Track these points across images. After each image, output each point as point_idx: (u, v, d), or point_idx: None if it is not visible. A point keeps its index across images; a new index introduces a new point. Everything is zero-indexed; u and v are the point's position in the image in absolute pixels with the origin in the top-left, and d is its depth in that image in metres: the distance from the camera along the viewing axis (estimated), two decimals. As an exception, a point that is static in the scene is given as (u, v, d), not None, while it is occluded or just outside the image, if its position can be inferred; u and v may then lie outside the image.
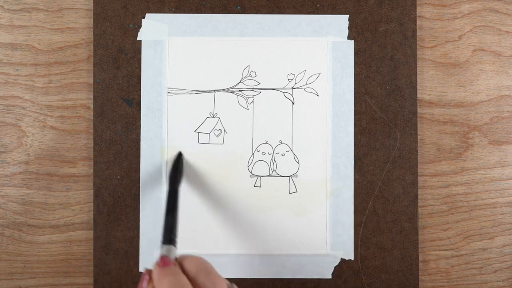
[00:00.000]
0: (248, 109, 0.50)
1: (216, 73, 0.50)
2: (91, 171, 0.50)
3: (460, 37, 0.52)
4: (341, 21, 0.50)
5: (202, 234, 0.50)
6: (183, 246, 0.48)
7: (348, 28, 0.50)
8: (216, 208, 0.50)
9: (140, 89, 0.50)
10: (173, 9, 0.50)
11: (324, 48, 0.51)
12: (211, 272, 0.37)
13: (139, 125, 0.50)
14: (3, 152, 0.51)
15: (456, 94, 0.52)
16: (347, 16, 0.50)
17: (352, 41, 0.50)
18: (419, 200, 0.51)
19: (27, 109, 0.51)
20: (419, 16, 0.51)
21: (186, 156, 0.50)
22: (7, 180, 0.51)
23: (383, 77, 0.50)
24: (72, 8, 0.51)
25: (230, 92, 0.50)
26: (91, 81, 0.51)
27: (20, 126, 0.51)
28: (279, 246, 0.50)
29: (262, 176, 0.50)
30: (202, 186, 0.50)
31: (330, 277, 0.50)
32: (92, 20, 0.51)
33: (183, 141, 0.50)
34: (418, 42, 0.51)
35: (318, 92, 0.50)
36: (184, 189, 0.50)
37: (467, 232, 0.51)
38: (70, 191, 0.51)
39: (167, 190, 0.45)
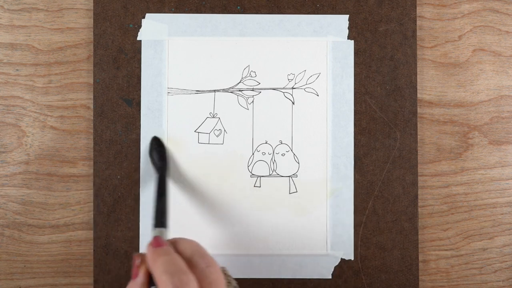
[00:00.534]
0: (248, 109, 0.50)
1: (216, 73, 0.50)
2: (91, 171, 0.50)
3: (460, 37, 0.52)
4: (341, 21, 0.50)
5: (202, 234, 0.50)
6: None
7: (348, 28, 0.50)
8: (216, 208, 0.50)
9: (140, 89, 0.50)
10: (173, 9, 0.50)
11: (324, 48, 0.51)
12: (205, 254, 0.37)
13: (139, 125, 0.50)
14: (3, 152, 0.51)
15: (456, 94, 0.52)
16: (347, 16, 0.50)
17: (352, 41, 0.50)
18: (419, 200, 0.51)
19: (27, 109, 0.51)
20: (419, 16, 0.51)
21: (186, 156, 0.50)
22: (7, 180, 0.51)
23: (383, 77, 0.50)
24: (72, 8, 0.51)
25: (230, 92, 0.50)
26: (91, 81, 0.51)
27: (20, 126, 0.51)
28: (279, 246, 0.50)
29: (262, 176, 0.50)
30: (202, 186, 0.50)
31: (330, 277, 0.50)
32: (92, 20, 0.51)
33: (183, 141, 0.50)
34: (418, 42, 0.51)
35: (318, 92, 0.50)
36: (184, 189, 0.50)
37: (467, 232, 0.51)
38: (70, 191, 0.51)
39: (155, 176, 0.45)
